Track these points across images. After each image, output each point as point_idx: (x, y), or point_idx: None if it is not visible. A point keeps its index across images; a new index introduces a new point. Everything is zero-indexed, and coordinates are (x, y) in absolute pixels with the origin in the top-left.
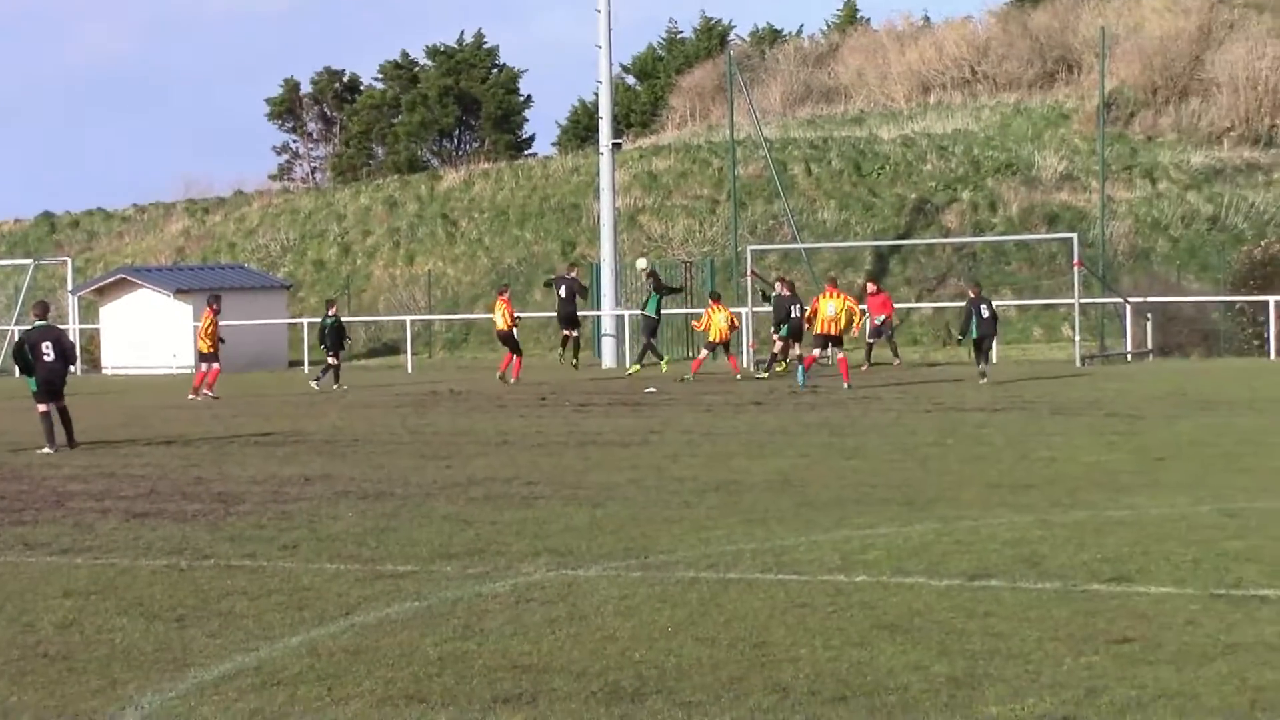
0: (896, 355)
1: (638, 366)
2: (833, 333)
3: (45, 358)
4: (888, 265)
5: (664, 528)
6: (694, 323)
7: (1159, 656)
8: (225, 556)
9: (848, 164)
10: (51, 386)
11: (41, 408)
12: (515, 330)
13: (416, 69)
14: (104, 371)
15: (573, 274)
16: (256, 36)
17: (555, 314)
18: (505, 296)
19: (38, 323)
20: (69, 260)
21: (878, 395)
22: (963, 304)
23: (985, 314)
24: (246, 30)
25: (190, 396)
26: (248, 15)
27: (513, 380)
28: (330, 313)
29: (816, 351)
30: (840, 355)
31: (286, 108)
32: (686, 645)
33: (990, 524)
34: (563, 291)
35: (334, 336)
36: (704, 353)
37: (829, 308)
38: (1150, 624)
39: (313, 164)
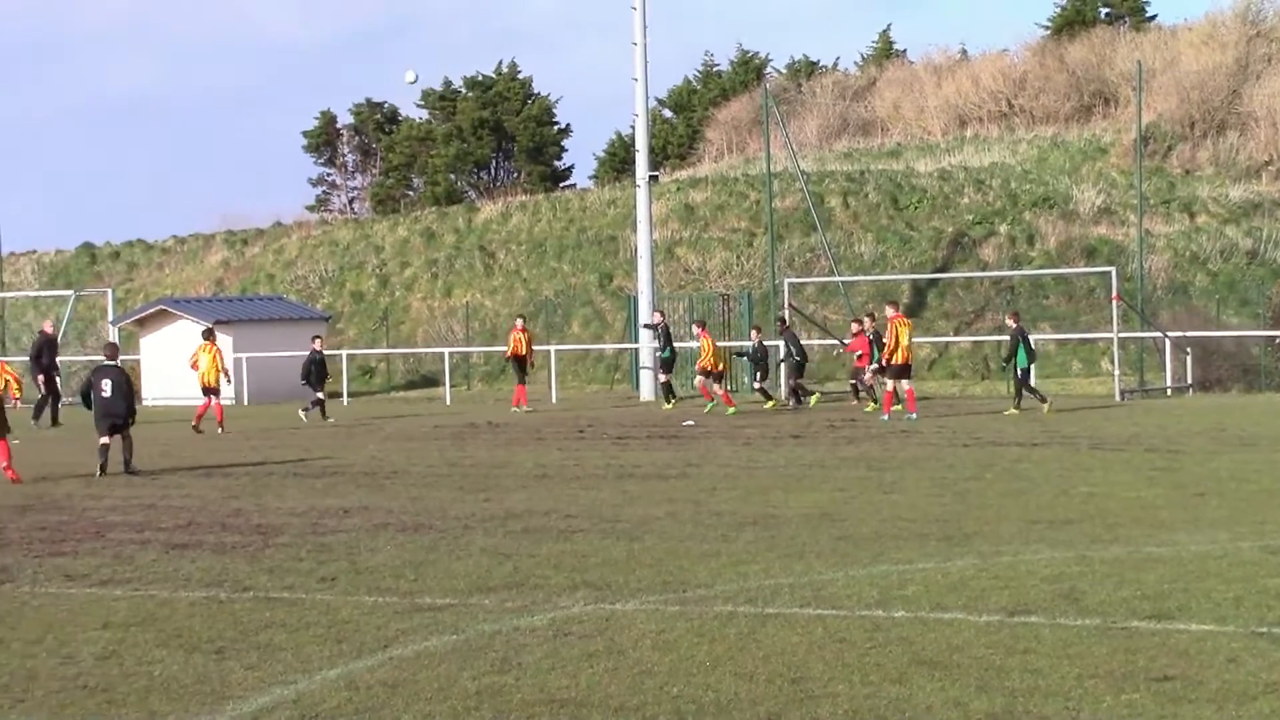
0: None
1: (670, 404)
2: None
3: (104, 394)
4: (925, 298)
5: (702, 561)
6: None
7: (1200, 695)
8: (264, 588)
9: (885, 197)
10: (109, 421)
11: (102, 440)
12: (528, 360)
13: (457, 99)
14: (144, 402)
15: (657, 319)
16: (296, 68)
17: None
18: (521, 326)
19: (105, 362)
20: (109, 291)
21: (917, 429)
22: (1003, 337)
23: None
24: (286, 62)
25: (195, 426)
26: (288, 48)
27: (519, 409)
28: (315, 347)
29: (890, 384)
30: (908, 386)
31: (323, 139)
32: (725, 680)
33: (1029, 559)
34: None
35: (318, 371)
36: (712, 385)
37: (906, 335)
38: (1191, 662)
39: (350, 195)
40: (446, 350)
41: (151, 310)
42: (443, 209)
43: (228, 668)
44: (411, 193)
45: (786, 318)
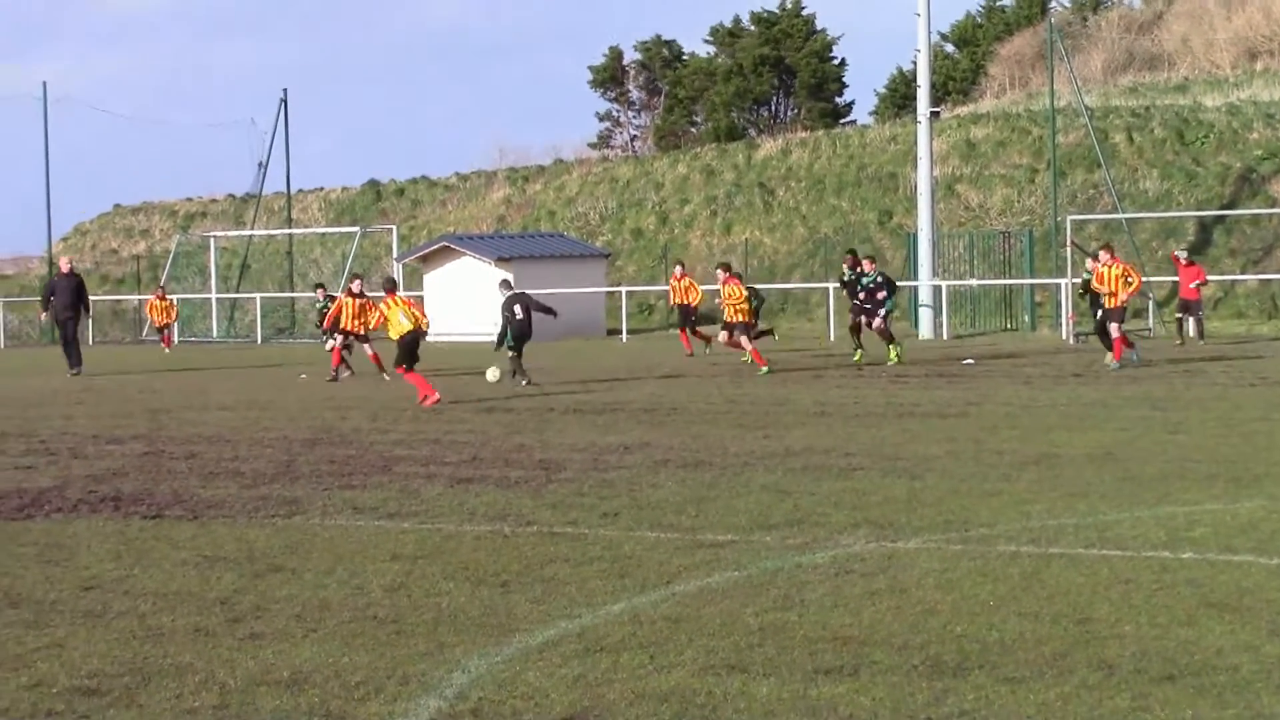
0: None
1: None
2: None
3: (518, 317)
4: (1211, 236)
5: (983, 501)
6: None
7: None
8: (547, 523)
9: (1170, 133)
10: (523, 340)
11: (510, 354)
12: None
13: (742, 35)
14: (428, 338)
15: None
16: (581, 4)
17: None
18: (680, 273)
19: (507, 293)
20: (394, 228)
21: (1202, 369)
22: None
23: None
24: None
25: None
26: None
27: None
28: (320, 295)
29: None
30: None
31: (610, 75)
32: (1009, 620)
33: None
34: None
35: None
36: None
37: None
38: None
39: (633, 132)
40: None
41: (435, 247)
42: (722, 146)
43: (513, 601)
44: (694, 129)
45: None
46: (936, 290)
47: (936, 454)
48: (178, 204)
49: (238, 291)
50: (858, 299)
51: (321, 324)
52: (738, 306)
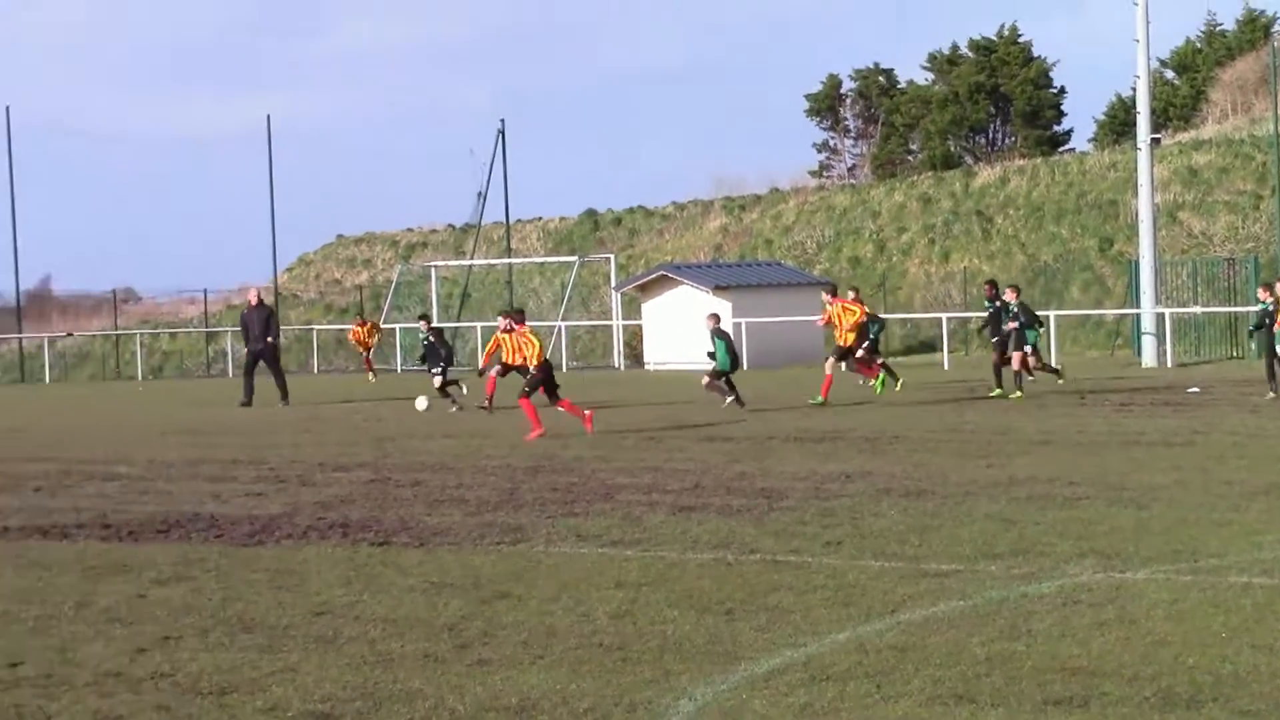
0: None
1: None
2: None
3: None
4: None
5: (1212, 531)
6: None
7: None
8: (770, 551)
9: None
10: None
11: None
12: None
13: (959, 63)
14: (646, 367)
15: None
16: (797, 33)
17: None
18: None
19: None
20: (611, 257)
21: None
22: None
23: None
24: (792, 29)
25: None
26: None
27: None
28: (424, 328)
29: None
30: None
31: (827, 104)
32: (1242, 653)
33: None
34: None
35: (433, 352)
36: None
37: None
38: None
39: (851, 161)
40: (944, 315)
41: (652, 276)
42: (939, 173)
43: (738, 629)
44: (910, 157)
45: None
46: (1159, 318)
47: (1163, 483)
48: (399, 234)
49: (458, 321)
50: (1000, 333)
51: (423, 358)
52: (849, 330)
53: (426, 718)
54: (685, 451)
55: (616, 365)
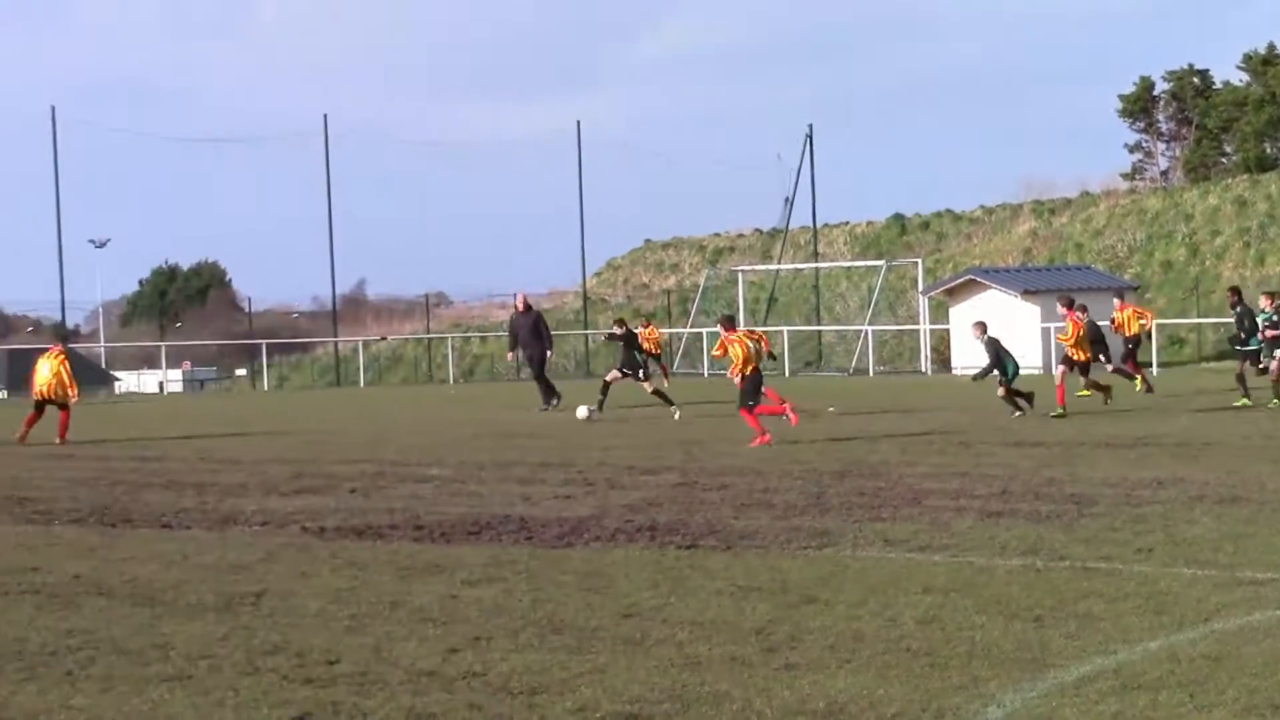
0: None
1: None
2: None
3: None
4: None
5: None
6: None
7: None
8: (1080, 558)
9: None
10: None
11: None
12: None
13: (1277, 64)
14: (953, 371)
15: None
16: (1113, 35)
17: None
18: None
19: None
20: (919, 261)
21: None
22: None
23: None
24: (1103, 29)
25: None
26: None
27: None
28: (618, 331)
29: None
30: None
31: (1140, 106)
32: None
33: None
34: None
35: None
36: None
37: None
38: None
39: (1164, 163)
40: (1260, 319)
41: (960, 280)
42: (1254, 176)
43: (1047, 636)
44: (1224, 160)
45: None
46: None
47: None
48: (706, 239)
49: (765, 325)
50: (1239, 340)
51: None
52: (1075, 344)
53: None
54: (993, 456)
55: (923, 370)
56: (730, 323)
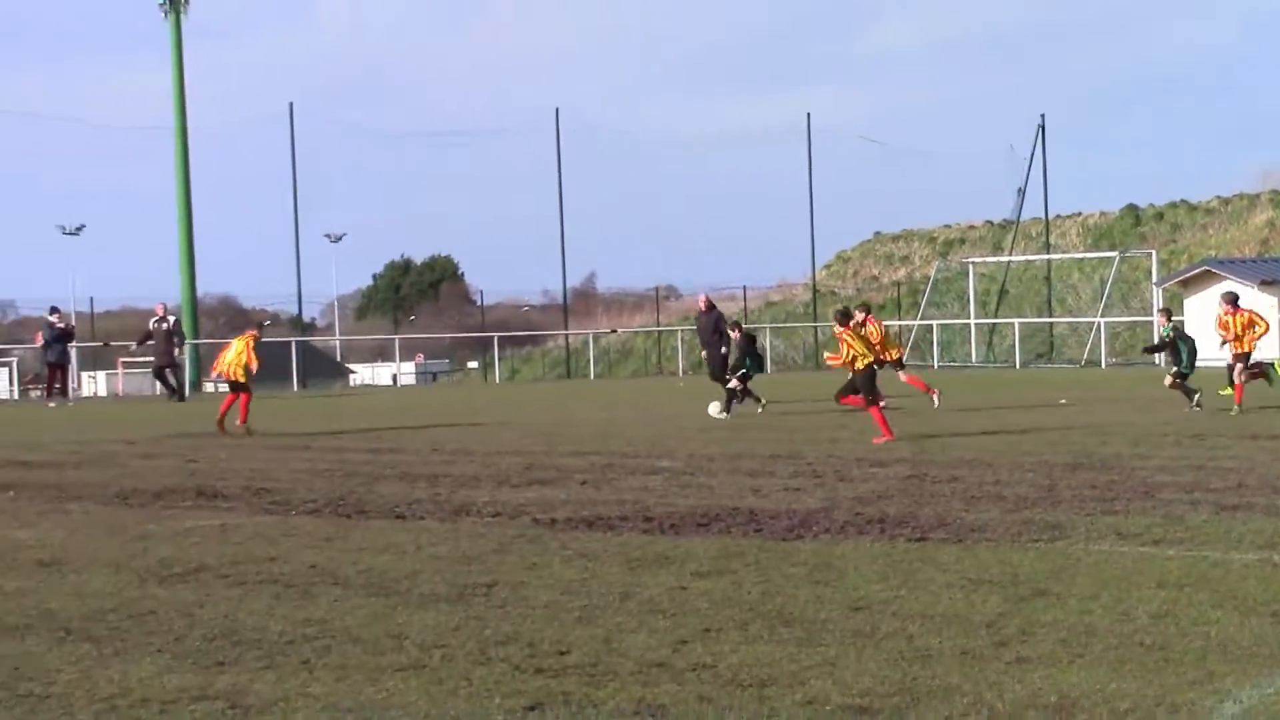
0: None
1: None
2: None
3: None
4: None
5: None
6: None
7: None
8: None
9: None
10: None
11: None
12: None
13: None
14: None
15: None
16: None
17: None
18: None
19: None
20: (1153, 252)
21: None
22: None
23: None
24: None
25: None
26: None
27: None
28: (734, 334)
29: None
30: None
31: None
32: None
33: None
34: None
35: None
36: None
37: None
38: None
39: None
40: None
41: (1195, 271)
42: None
43: None
44: None
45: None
46: None
47: None
48: (936, 231)
49: (995, 317)
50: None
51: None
52: (1238, 337)
53: (965, 714)
54: (1229, 450)
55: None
56: (844, 316)
